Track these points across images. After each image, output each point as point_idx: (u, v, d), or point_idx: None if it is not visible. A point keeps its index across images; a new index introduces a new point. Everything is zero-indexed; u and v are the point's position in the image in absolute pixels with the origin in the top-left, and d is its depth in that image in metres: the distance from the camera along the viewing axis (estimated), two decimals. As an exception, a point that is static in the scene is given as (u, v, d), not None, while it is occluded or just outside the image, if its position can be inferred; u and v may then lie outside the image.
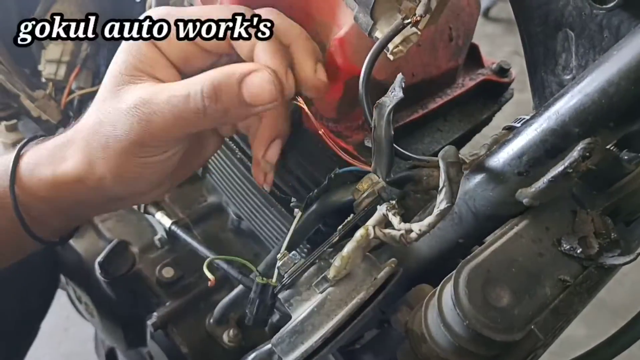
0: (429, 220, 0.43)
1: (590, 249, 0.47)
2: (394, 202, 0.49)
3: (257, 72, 0.54)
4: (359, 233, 0.47)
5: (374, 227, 0.47)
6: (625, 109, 0.41)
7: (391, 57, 0.53)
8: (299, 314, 0.49)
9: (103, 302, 1.04)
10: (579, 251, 0.46)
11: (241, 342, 0.89)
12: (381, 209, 0.49)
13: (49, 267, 1.06)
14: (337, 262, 0.48)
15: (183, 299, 0.94)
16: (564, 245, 0.47)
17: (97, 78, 1.15)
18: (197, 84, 0.53)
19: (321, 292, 0.49)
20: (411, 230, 0.44)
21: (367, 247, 0.49)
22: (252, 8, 0.59)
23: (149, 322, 0.91)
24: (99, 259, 0.95)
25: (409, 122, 0.69)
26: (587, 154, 0.43)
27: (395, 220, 0.47)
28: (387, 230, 0.46)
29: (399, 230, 0.45)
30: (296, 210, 0.67)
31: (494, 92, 0.78)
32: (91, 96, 1.15)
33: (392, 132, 0.49)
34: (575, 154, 0.43)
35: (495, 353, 0.45)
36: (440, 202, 0.43)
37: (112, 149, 0.56)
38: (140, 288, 0.98)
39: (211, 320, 0.91)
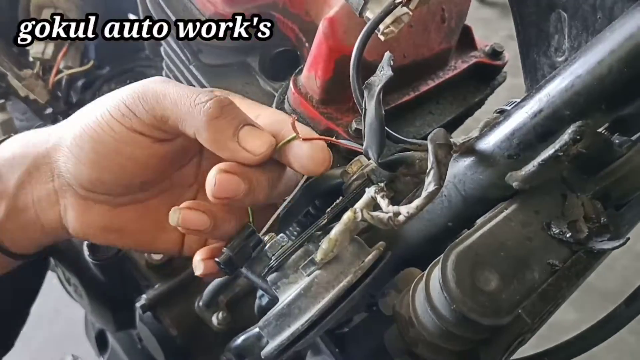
0: (417, 202, 0.42)
1: (580, 233, 0.46)
2: (382, 184, 0.49)
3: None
4: (347, 215, 0.47)
5: (361, 210, 0.46)
6: (618, 91, 0.40)
7: (382, 38, 0.52)
8: (286, 296, 0.49)
9: (92, 285, 1.03)
10: (568, 235, 0.46)
11: (230, 325, 0.89)
12: (369, 192, 0.48)
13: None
14: (324, 244, 0.47)
15: (172, 281, 0.93)
16: (554, 230, 0.46)
17: (85, 57, 1.14)
18: None
19: (308, 275, 0.48)
20: (399, 213, 0.43)
21: (355, 230, 0.48)
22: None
23: (138, 305, 0.91)
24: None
25: (400, 105, 0.69)
26: (578, 137, 0.42)
27: (383, 202, 0.46)
28: (375, 213, 0.45)
29: (387, 212, 0.44)
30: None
31: (486, 74, 0.77)
32: (80, 76, 1.15)
33: (383, 112, 0.48)
34: (566, 137, 0.42)
35: (482, 337, 0.45)
36: (428, 185, 0.42)
37: None
38: (129, 270, 0.98)
39: (200, 303, 0.90)
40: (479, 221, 0.48)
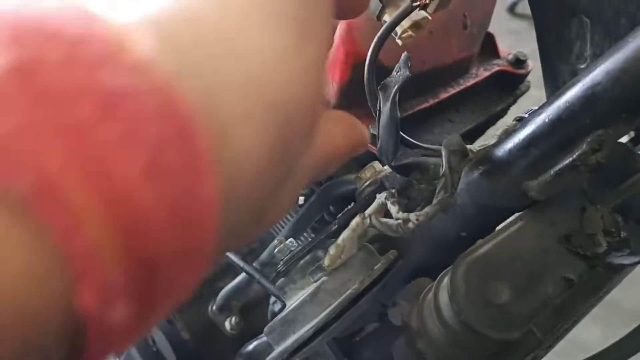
0: (427, 209, 0.41)
1: (598, 248, 0.44)
2: (393, 190, 0.47)
3: None
4: (355, 221, 0.46)
5: (370, 216, 0.45)
6: (640, 100, 0.39)
7: (400, 42, 0.51)
8: (292, 302, 0.48)
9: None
10: (585, 249, 0.44)
11: (243, 330, 0.88)
12: (380, 197, 0.47)
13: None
14: (332, 250, 0.46)
15: (187, 284, 0.93)
16: (571, 242, 0.45)
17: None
18: None
19: (315, 281, 0.47)
20: (409, 220, 0.42)
21: (364, 236, 0.47)
22: None
23: (152, 307, 0.90)
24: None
25: (418, 112, 0.67)
26: (597, 146, 0.40)
27: (393, 209, 0.45)
28: (384, 220, 0.44)
29: (396, 219, 0.43)
30: (300, 197, 0.66)
31: (509, 83, 0.75)
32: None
33: (398, 114, 0.47)
34: (584, 146, 0.41)
35: (492, 351, 0.44)
36: (440, 192, 0.41)
37: None
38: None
39: (214, 307, 0.90)
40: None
